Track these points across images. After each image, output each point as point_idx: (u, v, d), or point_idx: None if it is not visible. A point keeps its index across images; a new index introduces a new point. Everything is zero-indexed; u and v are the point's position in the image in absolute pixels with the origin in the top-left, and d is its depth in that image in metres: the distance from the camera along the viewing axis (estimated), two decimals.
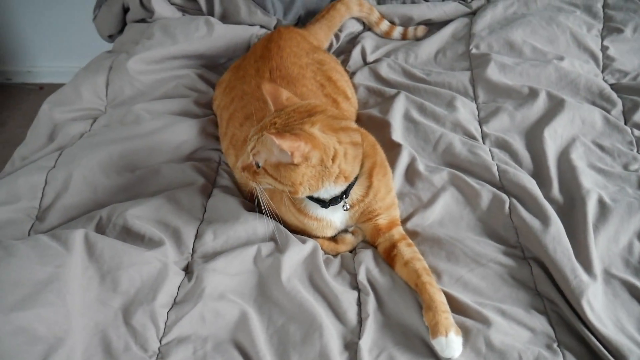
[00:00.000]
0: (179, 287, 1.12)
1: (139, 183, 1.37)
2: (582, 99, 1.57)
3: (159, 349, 1.03)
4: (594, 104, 1.56)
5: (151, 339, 1.03)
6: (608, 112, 1.52)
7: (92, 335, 1.02)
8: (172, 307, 1.09)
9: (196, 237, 1.23)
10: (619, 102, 1.54)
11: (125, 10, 1.92)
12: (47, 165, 1.38)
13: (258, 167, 1.11)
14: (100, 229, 1.22)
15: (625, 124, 1.50)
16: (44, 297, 0.99)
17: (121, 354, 1.00)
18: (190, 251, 1.21)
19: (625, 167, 1.38)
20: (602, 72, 1.69)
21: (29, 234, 1.25)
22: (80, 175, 1.33)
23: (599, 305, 1.05)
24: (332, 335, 1.03)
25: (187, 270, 1.17)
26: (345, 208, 1.19)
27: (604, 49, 1.74)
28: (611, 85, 1.61)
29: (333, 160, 1.08)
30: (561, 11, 1.85)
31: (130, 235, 1.20)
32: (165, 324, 1.06)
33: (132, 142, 1.42)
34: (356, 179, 1.16)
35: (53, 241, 1.10)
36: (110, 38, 2.02)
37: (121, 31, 1.96)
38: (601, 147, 1.43)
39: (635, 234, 1.19)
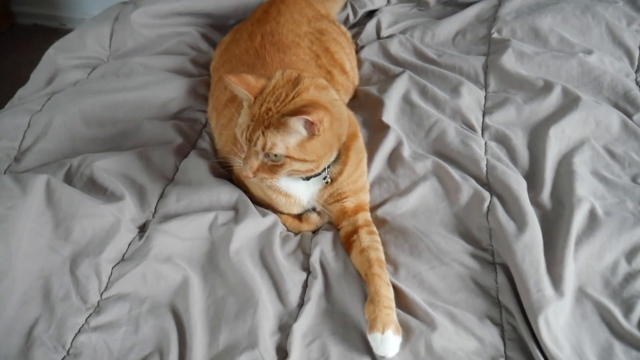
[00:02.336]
0: (130, 244, 1.11)
1: (119, 136, 1.36)
2: (603, 98, 1.43)
3: (98, 303, 1.02)
4: (616, 105, 1.41)
5: (92, 291, 1.02)
6: (630, 116, 1.37)
7: (35, 280, 1.02)
8: (118, 263, 1.08)
9: (161, 196, 1.21)
10: None
11: None
12: (34, 108, 1.39)
13: (274, 160, 1.03)
14: (69, 177, 1.22)
15: None
16: None
17: (58, 302, 1.00)
18: (153, 210, 1.19)
19: (634, 178, 1.24)
20: (636, 72, 1.53)
21: (4, 173, 1.27)
22: (61, 122, 1.33)
23: (560, 325, 0.96)
24: (267, 314, 1.00)
25: (144, 228, 1.16)
26: (326, 180, 1.14)
27: None
28: None
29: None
30: (602, 0, 1.68)
31: (94, 187, 1.20)
32: (109, 278, 1.05)
33: (118, 95, 1.41)
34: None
35: (14, 183, 1.11)
36: None
37: None
38: (612, 154, 1.29)
39: (623, 253, 1.07)
